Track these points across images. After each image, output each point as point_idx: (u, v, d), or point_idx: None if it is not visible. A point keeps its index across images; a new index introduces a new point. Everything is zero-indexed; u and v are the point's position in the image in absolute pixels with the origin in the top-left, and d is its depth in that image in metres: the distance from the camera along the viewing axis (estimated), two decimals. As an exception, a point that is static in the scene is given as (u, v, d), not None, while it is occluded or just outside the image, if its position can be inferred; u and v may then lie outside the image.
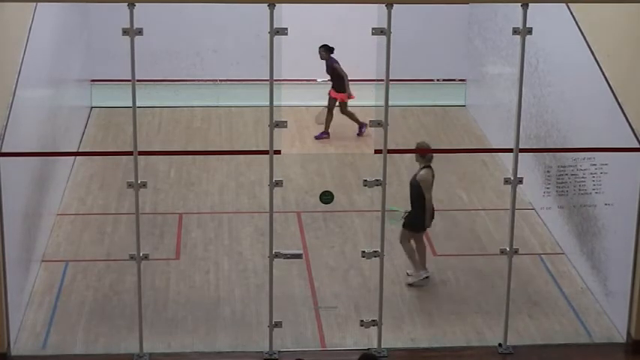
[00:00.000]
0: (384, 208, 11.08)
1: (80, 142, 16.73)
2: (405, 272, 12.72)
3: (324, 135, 17.24)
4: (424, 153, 12.36)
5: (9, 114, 11.13)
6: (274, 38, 10.27)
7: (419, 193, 12.31)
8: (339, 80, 17.15)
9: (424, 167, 12.35)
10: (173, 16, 17.57)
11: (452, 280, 12.71)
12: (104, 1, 13.71)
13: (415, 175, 12.43)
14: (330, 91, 17.30)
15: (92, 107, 18.30)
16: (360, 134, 17.30)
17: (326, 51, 17.11)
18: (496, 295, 12.12)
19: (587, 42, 12.40)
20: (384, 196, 11.12)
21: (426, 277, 12.50)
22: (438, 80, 18.93)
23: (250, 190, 15.18)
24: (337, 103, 17.26)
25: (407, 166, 14.67)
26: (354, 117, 17.27)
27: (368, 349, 11.04)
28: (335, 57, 17.10)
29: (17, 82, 11.58)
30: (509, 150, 11.08)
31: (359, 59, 17.80)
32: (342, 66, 17.09)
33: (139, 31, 10.22)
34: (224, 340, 11.34)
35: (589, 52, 12.30)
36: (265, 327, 11.11)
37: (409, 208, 12.38)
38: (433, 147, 16.72)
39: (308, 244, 13.58)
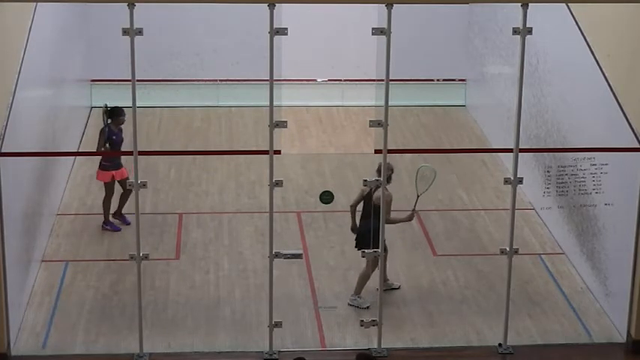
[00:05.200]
0: (384, 209, 11.07)
1: (80, 142, 16.72)
2: (403, 272, 12.73)
3: (115, 227, 13.89)
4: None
5: (9, 114, 11.13)
6: (274, 38, 10.27)
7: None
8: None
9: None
10: (173, 16, 17.57)
11: (452, 280, 12.70)
12: (104, 1, 13.70)
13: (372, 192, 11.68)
14: (114, 173, 13.68)
15: (92, 107, 18.28)
16: (104, 228, 13.83)
17: (118, 115, 13.59)
18: (496, 295, 12.11)
19: (587, 42, 12.40)
20: (383, 196, 11.13)
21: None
22: (438, 80, 18.92)
23: (250, 190, 15.17)
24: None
25: (407, 167, 14.67)
26: (118, 208, 13.95)
27: (368, 349, 11.04)
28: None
29: (17, 82, 11.57)
30: (509, 150, 11.07)
31: (359, 59, 17.85)
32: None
33: (139, 31, 10.21)
34: (224, 340, 11.33)
35: (589, 52, 12.30)
36: (265, 327, 11.10)
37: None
38: (433, 147, 16.85)
39: (308, 244, 13.57)
